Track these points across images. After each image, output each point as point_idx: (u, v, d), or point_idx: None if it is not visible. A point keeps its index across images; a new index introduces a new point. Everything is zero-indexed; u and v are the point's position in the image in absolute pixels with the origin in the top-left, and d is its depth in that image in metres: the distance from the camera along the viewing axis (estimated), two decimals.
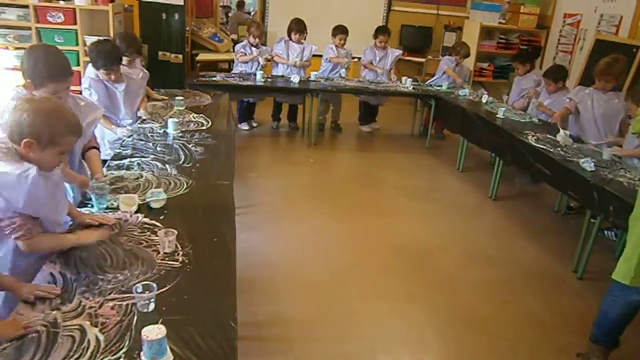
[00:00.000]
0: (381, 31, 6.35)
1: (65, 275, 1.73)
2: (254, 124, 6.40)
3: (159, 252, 1.90)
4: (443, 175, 5.41)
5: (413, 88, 6.13)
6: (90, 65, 3.35)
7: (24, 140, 1.67)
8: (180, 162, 2.85)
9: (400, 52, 6.61)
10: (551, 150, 3.91)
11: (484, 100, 5.56)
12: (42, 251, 1.82)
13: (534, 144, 4.06)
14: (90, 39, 4.84)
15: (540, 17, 7.61)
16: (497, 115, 4.94)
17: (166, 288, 1.68)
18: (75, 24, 4.79)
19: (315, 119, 5.97)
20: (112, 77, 3.30)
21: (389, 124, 6.97)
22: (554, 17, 7.47)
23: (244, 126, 6.28)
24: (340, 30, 6.10)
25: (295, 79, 5.75)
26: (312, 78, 5.92)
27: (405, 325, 2.85)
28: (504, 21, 7.72)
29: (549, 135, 4.29)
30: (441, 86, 6.27)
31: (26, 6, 4.70)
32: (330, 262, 3.45)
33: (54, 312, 1.53)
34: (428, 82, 6.68)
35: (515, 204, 4.73)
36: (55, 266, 1.77)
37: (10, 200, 1.64)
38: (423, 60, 8.21)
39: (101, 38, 3.51)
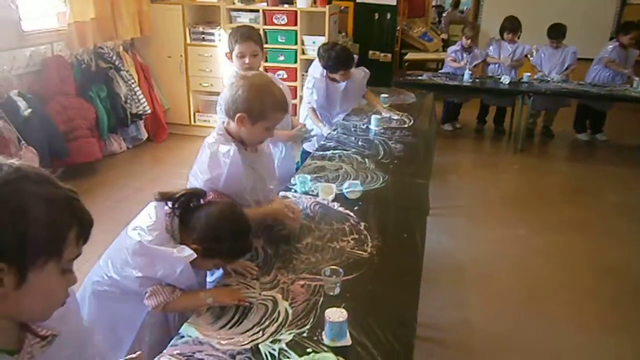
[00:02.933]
0: (631, 27, 5.55)
1: (266, 251, 1.91)
2: (458, 125, 6.24)
3: (349, 242, 1.98)
4: None
5: None
6: (314, 64, 3.62)
7: (238, 115, 1.87)
8: (379, 158, 2.91)
9: (638, 51, 5.74)
10: None
11: None
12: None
13: None
14: (308, 39, 5.24)
15: None
16: None
17: (352, 276, 1.74)
18: (296, 24, 5.22)
19: (525, 123, 5.55)
20: (345, 77, 3.51)
21: (615, 133, 6.05)
22: None
23: (447, 127, 6.16)
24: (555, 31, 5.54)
25: (505, 79, 5.43)
26: (525, 79, 5.52)
27: None
28: None
29: None
30: None
31: (257, 10, 5.29)
32: (526, 277, 3.19)
33: (254, 281, 1.71)
34: None
35: None
36: (259, 241, 1.96)
37: (212, 179, 1.85)
38: None
39: (332, 42, 3.80)
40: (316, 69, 3.59)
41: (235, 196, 1.88)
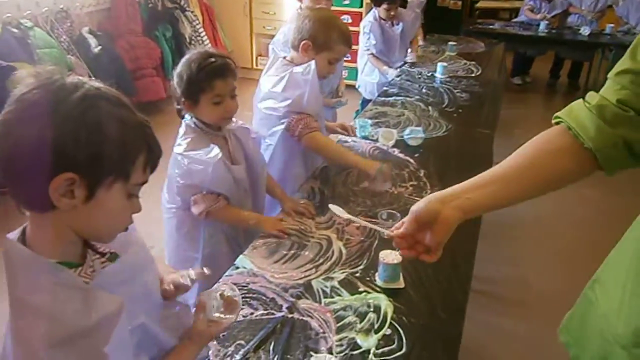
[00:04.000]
0: None
1: (323, 192, 1.90)
2: (528, 79, 5.93)
3: (407, 188, 1.94)
4: None
5: None
6: (372, 11, 3.51)
7: (302, 42, 1.85)
8: (443, 106, 2.81)
9: None
10: None
11: None
12: (316, 150, 1.95)
13: None
14: None
15: None
16: None
17: None
18: None
19: (603, 79, 5.17)
20: (392, 13, 3.39)
21: None
22: None
23: (517, 80, 5.86)
24: None
25: (585, 30, 5.06)
26: (607, 31, 5.12)
27: None
28: None
29: None
30: None
31: None
32: (589, 238, 3.04)
33: (310, 220, 1.71)
34: None
35: None
36: (316, 182, 1.96)
37: (294, 102, 1.85)
38: None
39: None
40: (371, 14, 3.51)
41: (316, 116, 1.91)
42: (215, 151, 1.53)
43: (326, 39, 1.86)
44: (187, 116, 1.65)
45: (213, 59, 1.54)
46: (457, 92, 3.05)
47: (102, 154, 0.75)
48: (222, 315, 1.04)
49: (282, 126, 1.91)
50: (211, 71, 1.53)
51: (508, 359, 2.14)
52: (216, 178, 1.55)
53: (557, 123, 0.93)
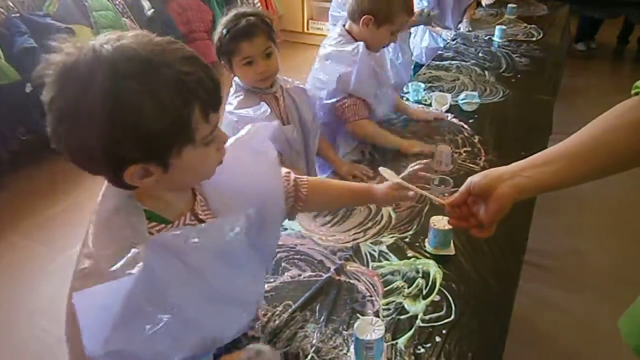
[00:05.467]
0: None
1: (373, 155, 1.87)
2: (593, 46, 5.57)
3: (461, 154, 1.87)
4: None
5: None
6: None
7: (364, 17, 1.79)
8: (501, 71, 2.69)
9: None
10: None
11: None
12: (362, 137, 1.91)
13: None
14: None
15: None
16: None
17: None
18: None
19: None
20: None
21: None
22: None
23: (581, 46, 5.52)
24: None
25: None
26: None
27: None
28: None
29: None
30: None
31: None
32: None
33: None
34: None
35: None
36: (366, 146, 1.92)
37: (342, 79, 1.81)
38: None
39: None
40: None
41: (366, 97, 1.87)
42: (264, 108, 1.51)
43: (388, 12, 1.78)
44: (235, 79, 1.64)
45: (239, 21, 1.50)
46: (516, 56, 2.91)
47: (150, 140, 0.69)
48: None
49: (331, 101, 1.88)
50: (236, 34, 1.50)
51: (560, 333, 2.08)
52: None
53: (637, 94, 0.83)
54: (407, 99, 2.30)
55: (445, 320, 1.16)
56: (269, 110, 1.52)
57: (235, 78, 1.63)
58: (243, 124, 1.52)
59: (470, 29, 3.42)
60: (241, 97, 1.58)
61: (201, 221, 0.87)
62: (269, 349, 0.95)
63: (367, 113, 1.90)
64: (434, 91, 2.35)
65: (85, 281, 0.70)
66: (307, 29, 5.55)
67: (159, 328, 0.71)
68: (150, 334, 0.71)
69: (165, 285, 0.73)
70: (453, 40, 3.18)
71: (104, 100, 0.66)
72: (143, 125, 0.68)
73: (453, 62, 2.79)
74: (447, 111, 2.17)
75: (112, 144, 0.68)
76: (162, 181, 0.76)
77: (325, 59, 1.88)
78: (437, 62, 2.79)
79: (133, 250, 0.69)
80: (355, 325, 1.05)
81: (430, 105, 2.22)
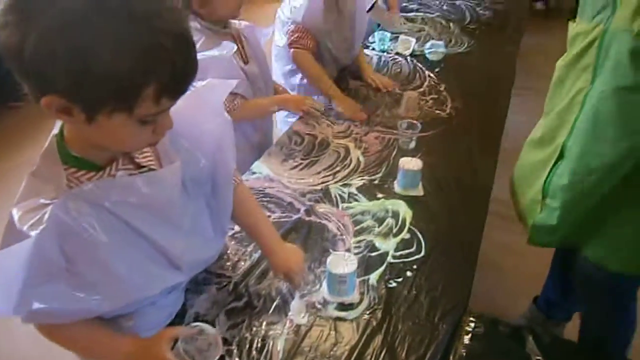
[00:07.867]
0: None
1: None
2: (552, 5, 5.65)
3: (427, 101, 1.87)
4: None
5: None
6: None
7: None
8: (465, 23, 2.69)
9: None
10: None
11: None
12: (298, 67, 1.87)
13: None
14: None
15: None
16: None
17: (429, 133, 1.66)
18: None
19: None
20: None
21: None
22: None
23: (539, 5, 5.59)
24: None
25: None
26: None
27: None
28: None
29: None
30: None
31: None
32: None
33: (328, 129, 1.67)
34: None
35: None
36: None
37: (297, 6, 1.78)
38: None
39: None
40: None
41: (314, 30, 1.82)
42: (230, 45, 1.45)
43: None
44: (190, 22, 1.55)
45: None
46: (480, 9, 2.91)
47: (86, 79, 0.61)
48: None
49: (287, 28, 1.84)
50: None
51: (520, 275, 2.15)
52: (229, 76, 1.49)
53: None
54: (373, 48, 2.28)
55: (416, 257, 1.18)
56: (235, 46, 1.47)
57: (194, 23, 1.55)
58: (208, 64, 1.47)
59: None
60: (203, 39, 1.51)
61: (138, 165, 0.80)
62: (213, 331, 0.92)
63: (310, 45, 1.84)
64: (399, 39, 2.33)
65: (3, 239, 0.69)
66: None
67: (78, 284, 0.72)
68: (69, 290, 0.72)
69: (81, 241, 0.71)
70: None
71: (61, 15, 0.58)
72: (89, 60, 0.60)
73: (418, 13, 2.78)
74: (411, 55, 2.16)
75: (45, 54, 0.59)
76: (79, 129, 0.70)
77: None
78: (403, 14, 2.76)
79: (47, 208, 0.68)
80: (328, 260, 1.05)
81: (398, 54, 2.21)
